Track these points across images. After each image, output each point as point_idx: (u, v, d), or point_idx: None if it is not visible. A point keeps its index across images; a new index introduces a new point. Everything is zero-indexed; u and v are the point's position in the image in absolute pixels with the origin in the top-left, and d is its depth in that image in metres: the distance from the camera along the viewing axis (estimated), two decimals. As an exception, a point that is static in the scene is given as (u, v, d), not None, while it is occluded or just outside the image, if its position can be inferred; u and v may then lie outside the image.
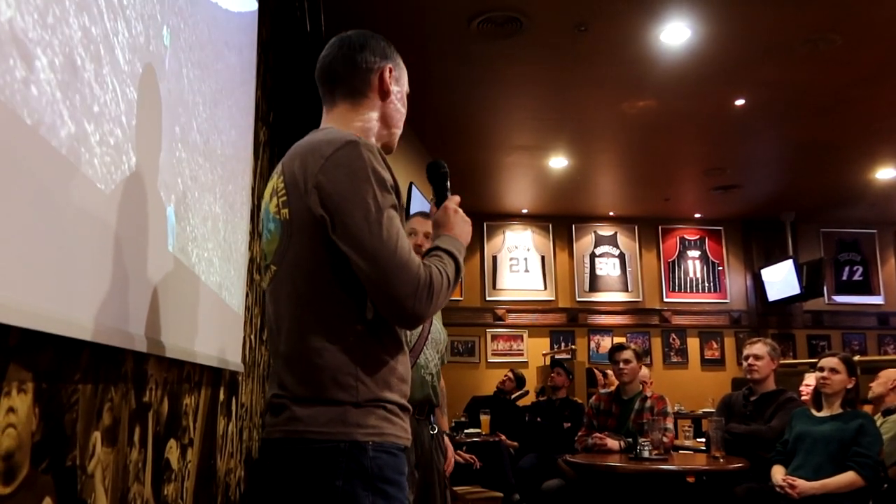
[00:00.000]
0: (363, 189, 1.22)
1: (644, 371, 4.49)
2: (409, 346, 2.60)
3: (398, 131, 1.49)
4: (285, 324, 1.30)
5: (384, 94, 1.43)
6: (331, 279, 1.25)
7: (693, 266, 9.79)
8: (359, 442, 1.22)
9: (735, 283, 9.80)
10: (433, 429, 2.65)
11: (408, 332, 2.61)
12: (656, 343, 9.51)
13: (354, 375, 1.24)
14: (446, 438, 2.84)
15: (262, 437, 1.32)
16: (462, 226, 1.44)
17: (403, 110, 1.49)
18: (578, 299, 9.50)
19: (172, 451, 1.80)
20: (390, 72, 1.43)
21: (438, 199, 1.49)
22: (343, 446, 1.21)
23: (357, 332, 1.26)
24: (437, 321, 2.74)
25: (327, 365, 1.24)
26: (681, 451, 4.28)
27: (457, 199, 1.48)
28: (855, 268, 10.01)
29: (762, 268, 9.53)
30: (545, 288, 9.48)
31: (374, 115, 1.43)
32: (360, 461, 1.22)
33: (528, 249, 9.58)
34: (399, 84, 1.47)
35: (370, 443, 1.23)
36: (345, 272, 1.24)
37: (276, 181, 1.34)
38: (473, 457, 5.18)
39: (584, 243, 9.67)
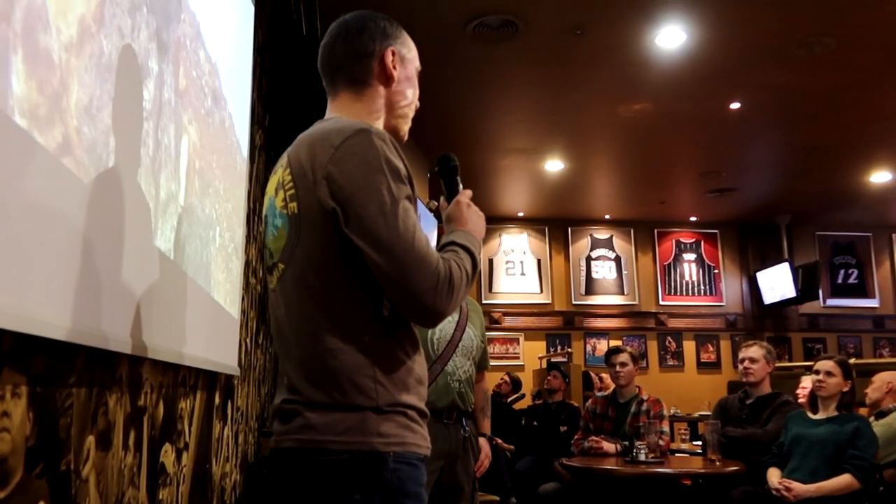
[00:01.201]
0: (377, 179, 1.15)
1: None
2: (437, 353, 2.57)
3: (408, 115, 1.39)
4: (295, 325, 1.22)
5: (387, 79, 1.34)
6: (344, 275, 1.18)
7: (689, 269, 9.80)
8: (379, 452, 1.15)
9: (731, 287, 9.82)
10: (465, 432, 2.62)
11: (434, 340, 2.58)
12: (652, 346, 9.52)
13: (372, 377, 1.17)
14: (483, 440, 2.80)
15: (270, 447, 1.25)
16: (476, 220, 1.36)
17: (411, 93, 1.38)
18: (574, 302, 9.50)
19: (167, 455, 1.80)
20: (393, 54, 1.34)
21: (449, 193, 1.41)
22: (362, 458, 1.14)
23: (373, 331, 1.19)
24: (471, 328, 2.70)
25: (343, 367, 1.16)
26: (677, 455, 4.28)
27: (469, 192, 1.40)
28: (850, 271, 10.04)
29: (758, 271, 9.55)
30: (541, 291, 9.49)
31: (379, 102, 1.34)
32: (381, 473, 1.15)
33: (524, 253, 9.58)
34: (405, 65, 1.37)
35: (391, 454, 1.16)
36: (359, 267, 1.17)
37: (281, 174, 1.25)
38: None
39: (580, 246, 9.68)
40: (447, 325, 2.60)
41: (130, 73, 1.37)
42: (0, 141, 0.86)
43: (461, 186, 1.43)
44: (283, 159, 1.28)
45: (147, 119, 1.49)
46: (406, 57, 1.37)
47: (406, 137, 1.41)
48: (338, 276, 1.19)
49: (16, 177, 0.90)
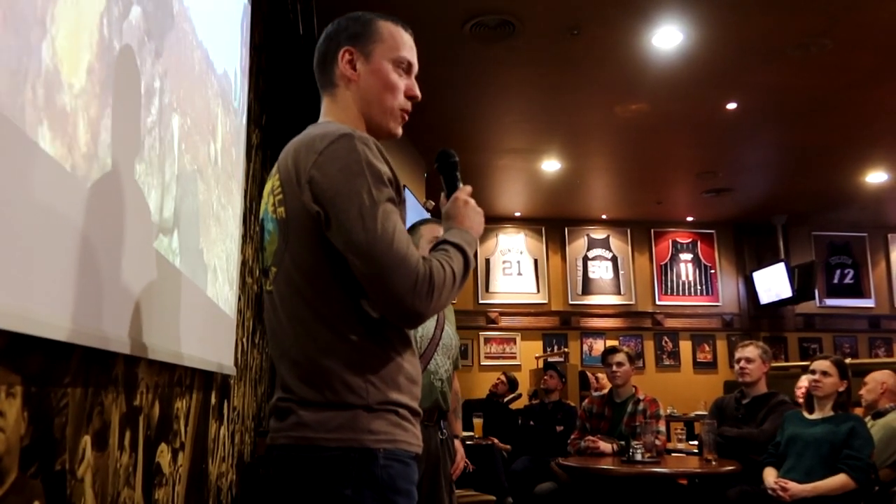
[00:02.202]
0: (357, 183, 1.17)
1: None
2: (420, 352, 2.57)
3: (389, 110, 1.36)
4: (288, 326, 1.24)
5: (347, 80, 1.34)
6: (330, 277, 1.21)
7: (685, 269, 9.82)
8: (370, 449, 1.17)
9: (727, 287, 9.83)
10: (443, 434, 2.63)
11: (417, 338, 2.57)
12: (649, 346, 9.53)
13: (363, 376, 1.19)
14: (457, 442, 2.81)
15: (266, 444, 1.27)
16: (474, 217, 1.37)
17: (380, 88, 1.35)
18: (571, 302, 9.51)
19: (163, 455, 1.79)
20: (350, 54, 1.34)
21: (449, 189, 1.41)
22: (353, 454, 1.16)
23: (362, 331, 1.21)
24: (449, 327, 2.71)
25: (334, 366, 1.19)
26: (673, 454, 4.28)
27: (468, 188, 1.40)
28: (846, 271, 10.06)
29: (754, 271, 9.57)
30: (538, 291, 9.49)
31: (350, 104, 1.35)
32: (371, 470, 1.17)
33: (521, 252, 9.59)
34: (370, 61, 1.34)
35: (381, 450, 1.18)
36: (344, 269, 1.19)
37: (273, 180, 1.29)
38: (466, 460, 5.16)
39: (577, 246, 9.69)
40: (429, 323, 2.61)
41: (128, 65, 1.37)
42: (-5, 140, 0.86)
43: (461, 183, 1.42)
44: (276, 165, 1.31)
45: (146, 119, 1.48)
46: (372, 51, 1.35)
47: (397, 133, 1.40)
48: (325, 279, 1.21)
49: (15, 177, 0.90)
